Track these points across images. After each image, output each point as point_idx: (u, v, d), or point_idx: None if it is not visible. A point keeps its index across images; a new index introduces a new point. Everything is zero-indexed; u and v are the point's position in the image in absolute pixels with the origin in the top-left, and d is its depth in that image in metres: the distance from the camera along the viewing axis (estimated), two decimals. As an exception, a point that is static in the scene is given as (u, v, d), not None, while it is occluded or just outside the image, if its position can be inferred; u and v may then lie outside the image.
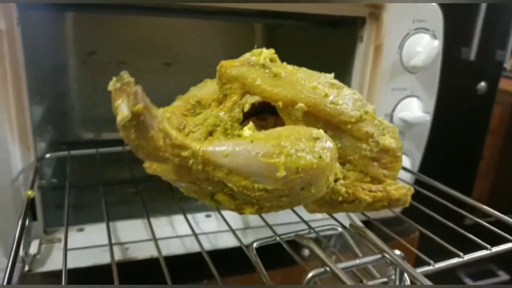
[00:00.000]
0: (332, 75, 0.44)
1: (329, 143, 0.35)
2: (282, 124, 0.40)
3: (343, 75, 0.64)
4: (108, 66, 0.83)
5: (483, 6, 0.88)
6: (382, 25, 0.57)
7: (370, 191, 0.41)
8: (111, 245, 0.43)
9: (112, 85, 0.30)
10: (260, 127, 0.41)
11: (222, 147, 0.34)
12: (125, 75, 0.31)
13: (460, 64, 0.86)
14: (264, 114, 0.42)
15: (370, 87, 0.60)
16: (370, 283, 0.37)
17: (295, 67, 0.42)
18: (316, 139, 0.34)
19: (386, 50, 0.58)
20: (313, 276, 0.32)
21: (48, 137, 0.58)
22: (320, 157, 0.33)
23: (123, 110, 0.29)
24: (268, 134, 0.35)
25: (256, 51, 0.41)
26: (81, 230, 0.55)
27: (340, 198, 0.39)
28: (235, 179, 0.33)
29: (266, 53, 0.40)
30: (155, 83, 0.64)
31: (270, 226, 0.45)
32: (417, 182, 0.59)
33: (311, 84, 0.40)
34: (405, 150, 0.64)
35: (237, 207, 0.37)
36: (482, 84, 0.93)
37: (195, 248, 0.53)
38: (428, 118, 0.61)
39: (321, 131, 0.36)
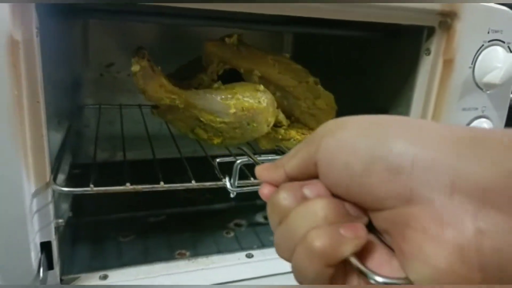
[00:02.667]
0: (288, 55, 0.61)
1: (267, 94, 0.52)
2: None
3: (402, 93, 0.56)
4: (127, 79, 0.75)
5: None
6: (455, 36, 0.49)
7: (302, 133, 0.56)
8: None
9: (135, 49, 0.50)
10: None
11: (196, 93, 0.50)
12: (141, 47, 0.50)
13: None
14: (235, 80, 0.56)
15: (436, 106, 0.52)
16: None
17: (256, 47, 0.59)
18: (258, 90, 0.51)
19: (458, 65, 0.50)
20: (240, 163, 0.42)
21: (66, 167, 0.50)
22: (259, 102, 0.50)
23: (134, 64, 0.46)
24: (227, 86, 0.52)
25: (230, 34, 0.58)
26: (105, 277, 0.46)
27: (280, 137, 0.56)
28: (204, 114, 0.49)
29: (236, 37, 0.58)
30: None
31: (229, 150, 0.58)
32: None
33: (265, 59, 0.56)
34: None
35: (208, 137, 0.53)
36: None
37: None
38: (503, 142, 0.53)
39: (262, 86, 0.52)
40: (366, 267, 0.20)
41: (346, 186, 0.21)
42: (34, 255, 0.41)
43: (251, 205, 0.70)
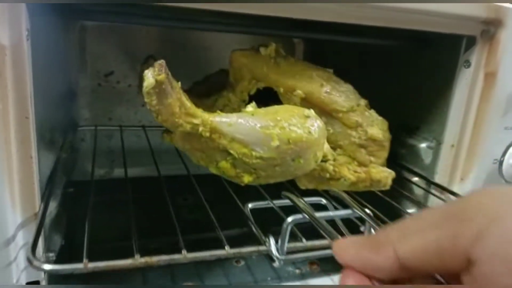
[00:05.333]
0: (331, 70, 0.48)
1: (318, 122, 0.41)
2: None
3: (436, 108, 0.50)
4: (127, 90, 0.69)
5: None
6: (498, 47, 0.44)
7: (355, 171, 0.46)
8: None
9: (144, 59, 0.46)
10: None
11: (227, 118, 0.39)
12: (152, 56, 0.47)
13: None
14: (268, 101, 0.45)
15: (476, 124, 0.47)
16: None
17: (297, 59, 0.49)
18: (307, 117, 0.40)
19: (501, 78, 0.45)
20: (292, 221, 0.35)
21: (59, 191, 0.43)
22: (309, 132, 0.39)
23: (149, 77, 0.35)
24: (267, 110, 0.41)
25: (265, 43, 0.48)
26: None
27: (328, 175, 0.45)
28: (236, 146, 0.39)
29: (274, 46, 0.47)
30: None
31: (265, 194, 0.48)
32: None
33: (310, 75, 0.46)
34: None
35: (237, 175, 0.42)
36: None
37: None
38: (549, 165, 0.48)
39: (312, 111, 0.41)
40: None
41: None
42: (19, 296, 0.35)
43: (260, 229, 0.64)
